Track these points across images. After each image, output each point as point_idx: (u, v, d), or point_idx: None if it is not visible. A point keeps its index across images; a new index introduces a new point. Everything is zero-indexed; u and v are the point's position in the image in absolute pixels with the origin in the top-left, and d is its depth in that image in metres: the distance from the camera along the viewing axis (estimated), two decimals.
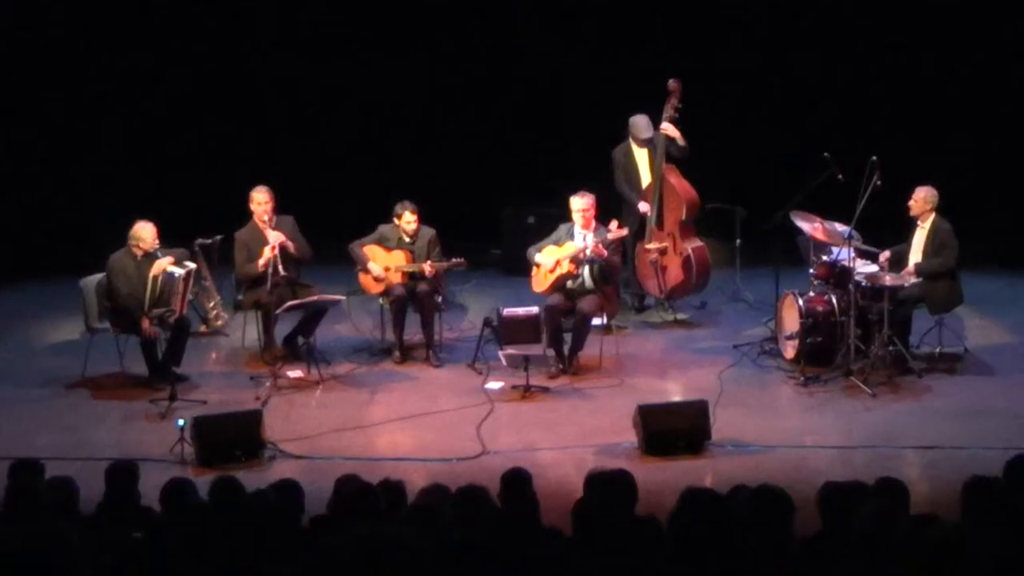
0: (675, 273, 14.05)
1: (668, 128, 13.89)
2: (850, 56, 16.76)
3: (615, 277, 13.08)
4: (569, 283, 12.81)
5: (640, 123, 14.04)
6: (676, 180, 13.99)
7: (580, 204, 12.76)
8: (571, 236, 12.81)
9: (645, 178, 14.09)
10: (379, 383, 12.60)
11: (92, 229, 14.90)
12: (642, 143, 14.06)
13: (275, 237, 12.81)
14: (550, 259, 12.80)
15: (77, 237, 15.49)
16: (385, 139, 17.19)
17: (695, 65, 15.23)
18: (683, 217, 13.96)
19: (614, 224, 12.78)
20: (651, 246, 14.03)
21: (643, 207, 13.97)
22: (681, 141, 13.89)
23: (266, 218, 12.91)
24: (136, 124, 16.98)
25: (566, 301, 12.76)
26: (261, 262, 12.77)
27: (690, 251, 13.96)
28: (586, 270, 12.77)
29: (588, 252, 12.62)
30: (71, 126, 16.74)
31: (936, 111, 16.53)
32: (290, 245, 12.88)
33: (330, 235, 13.61)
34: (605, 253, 12.58)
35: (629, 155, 14.14)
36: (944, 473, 10.12)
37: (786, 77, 16.75)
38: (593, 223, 12.76)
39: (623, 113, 14.18)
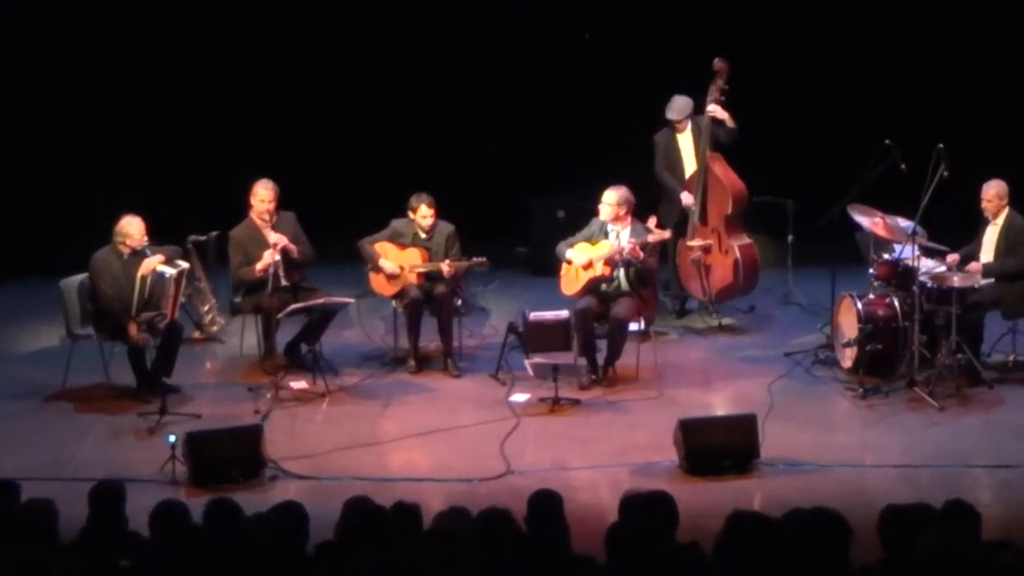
0: (720, 273, 14.02)
1: (715, 110, 13.86)
2: (915, 33, 16.70)
3: (653, 280, 13.06)
4: (603, 285, 12.80)
5: (674, 103, 14.02)
6: (721, 170, 13.97)
7: (607, 198, 12.71)
8: (605, 233, 12.79)
9: (689, 166, 14.08)
10: (392, 395, 12.61)
11: (74, 224, 14.92)
12: (674, 125, 14.03)
13: (276, 239, 12.79)
14: (583, 257, 12.79)
15: (57, 233, 15.50)
16: (399, 127, 17.18)
17: (741, 44, 15.23)
18: (729, 211, 13.94)
19: (652, 222, 12.76)
20: (694, 243, 14.00)
21: (687, 199, 13.95)
22: (731, 123, 13.85)
23: (267, 217, 12.91)
24: (123, 111, 16.98)
25: (599, 304, 12.74)
26: (259, 266, 12.73)
27: (737, 249, 13.93)
28: (621, 272, 12.75)
29: (625, 254, 12.59)
30: (51, 113, 16.75)
31: (1007, 94, 16.47)
32: (292, 248, 12.83)
33: (338, 231, 13.63)
34: (642, 255, 12.54)
35: (672, 140, 14.13)
36: (1019, 494, 10.13)
37: (843, 56, 16.70)
38: (630, 219, 12.74)
39: (662, 98, 14.15)
